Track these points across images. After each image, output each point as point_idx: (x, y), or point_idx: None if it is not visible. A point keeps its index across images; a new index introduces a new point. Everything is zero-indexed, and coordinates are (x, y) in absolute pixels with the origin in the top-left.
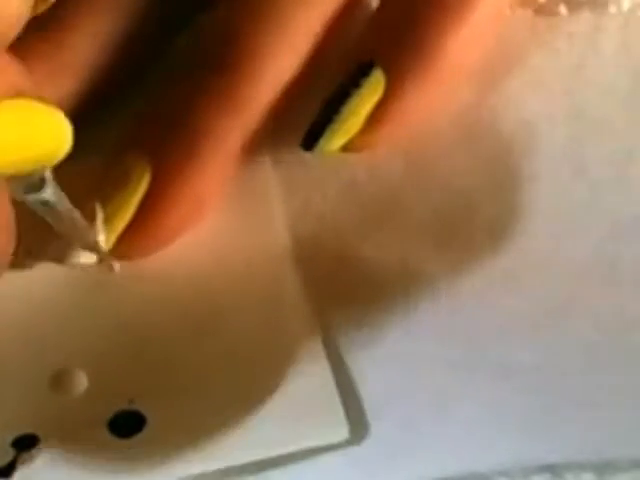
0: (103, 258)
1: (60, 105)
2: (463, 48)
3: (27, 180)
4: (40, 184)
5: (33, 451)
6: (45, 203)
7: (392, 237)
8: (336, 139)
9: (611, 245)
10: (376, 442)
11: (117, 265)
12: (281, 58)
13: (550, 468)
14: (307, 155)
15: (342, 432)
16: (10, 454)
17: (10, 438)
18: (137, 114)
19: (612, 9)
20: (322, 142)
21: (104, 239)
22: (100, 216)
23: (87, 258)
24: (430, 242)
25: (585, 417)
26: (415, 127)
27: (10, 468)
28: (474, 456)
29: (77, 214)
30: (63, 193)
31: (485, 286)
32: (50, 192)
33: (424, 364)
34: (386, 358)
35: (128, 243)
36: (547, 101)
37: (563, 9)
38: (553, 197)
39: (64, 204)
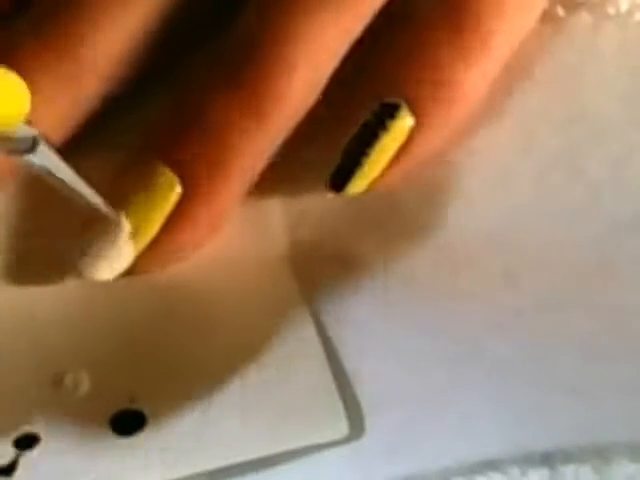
0: (113, 219)
1: (66, 112)
2: (482, 86)
3: (19, 143)
4: (33, 146)
5: (34, 450)
6: (38, 163)
7: (390, 238)
8: (364, 181)
9: (609, 243)
10: (374, 437)
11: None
12: (305, 79)
13: (548, 463)
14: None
15: (342, 429)
16: (11, 453)
17: (11, 437)
18: (153, 121)
19: (610, 10)
20: (351, 186)
21: (131, 251)
22: (127, 229)
23: (105, 274)
24: (429, 242)
25: (581, 406)
26: None
27: (11, 467)
28: (471, 448)
29: (77, 178)
30: (58, 157)
31: (483, 284)
32: (42, 153)
33: (421, 360)
34: (383, 355)
35: (147, 258)
36: (545, 102)
37: (560, 11)
38: (551, 196)
39: (61, 167)
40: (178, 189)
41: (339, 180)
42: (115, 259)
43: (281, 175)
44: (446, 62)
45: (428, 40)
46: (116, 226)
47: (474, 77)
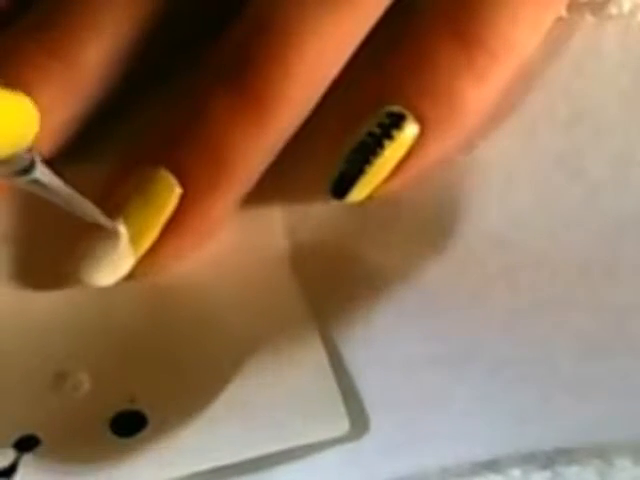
0: (110, 227)
1: (71, 122)
2: (488, 97)
3: (17, 164)
4: (30, 167)
5: (34, 452)
6: (36, 183)
7: (392, 238)
8: (366, 189)
9: (610, 243)
10: (375, 436)
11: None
12: (305, 82)
13: (550, 465)
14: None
15: (343, 426)
16: (11, 455)
17: (12, 439)
18: (153, 126)
19: (613, 10)
20: (353, 193)
21: (131, 260)
22: (125, 236)
23: (105, 280)
24: (429, 243)
25: (583, 407)
26: None
27: (12, 469)
28: (472, 447)
29: (73, 192)
30: (52, 174)
31: (483, 285)
32: (39, 172)
33: (421, 359)
34: (384, 355)
35: (146, 262)
36: (548, 102)
37: (563, 11)
38: (551, 197)
39: (56, 184)
40: (177, 193)
41: (341, 187)
42: (115, 265)
43: (282, 178)
44: (451, 73)
45: (434, 49)
46: (114, 232)
47: (479, 89)
